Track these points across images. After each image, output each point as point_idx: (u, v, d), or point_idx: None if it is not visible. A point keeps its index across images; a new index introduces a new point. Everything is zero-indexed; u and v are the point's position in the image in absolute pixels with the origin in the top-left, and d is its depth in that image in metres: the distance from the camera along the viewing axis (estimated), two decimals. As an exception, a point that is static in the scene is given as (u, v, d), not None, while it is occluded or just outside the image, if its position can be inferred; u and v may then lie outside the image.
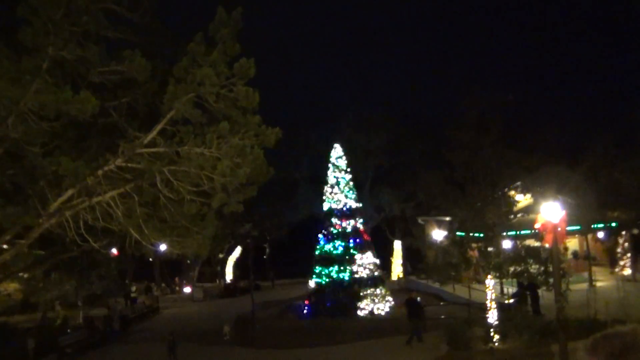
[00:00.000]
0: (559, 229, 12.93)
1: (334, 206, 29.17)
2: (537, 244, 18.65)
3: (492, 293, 17.75)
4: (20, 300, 30.46)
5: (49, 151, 10.92)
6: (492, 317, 17.19)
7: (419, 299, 21.23)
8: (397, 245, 45.69)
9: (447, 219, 26.65)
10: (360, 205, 30.53)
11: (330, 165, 29.93)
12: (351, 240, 28.54)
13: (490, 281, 17.99)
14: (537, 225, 13.60)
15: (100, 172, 10.77)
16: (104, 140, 11.80)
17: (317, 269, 28.63)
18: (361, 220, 29.89)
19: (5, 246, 11.93)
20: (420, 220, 37.91)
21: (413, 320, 19.29)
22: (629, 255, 28.86)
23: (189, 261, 44.26)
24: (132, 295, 36.00)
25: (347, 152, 31.09)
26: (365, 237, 29.47)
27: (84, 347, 22.90)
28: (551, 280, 15.32)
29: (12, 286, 26.75)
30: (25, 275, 22.09)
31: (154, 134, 10.88)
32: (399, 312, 24.36)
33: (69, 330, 24.34)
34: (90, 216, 11.32)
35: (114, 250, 25.26)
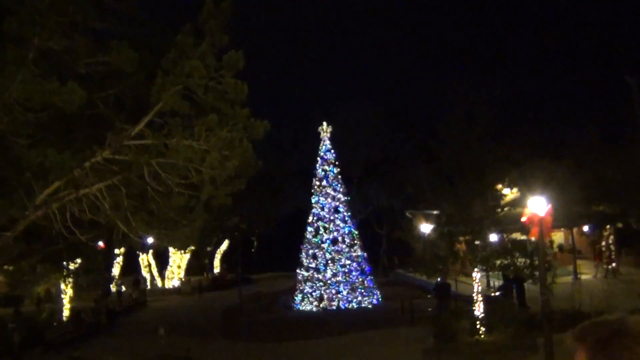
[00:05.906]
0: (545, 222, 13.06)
1: (322, 200, 29.20)
2: (523, 237, 18.83)
3: (478, 286, 17.92)
4: (4, 294, 30.18)
5: (35, 143, 10.78)
6: (479, 309, 17.37)
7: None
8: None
9: (435, 212, 26.76)
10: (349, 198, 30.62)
11: (318, 158, 29.90)
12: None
13: (476, 274, 18.15)
14: (523, 219, 13.72)
15: (87, 164, 10.67)
16: (91, 132, 11.65)
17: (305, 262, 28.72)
18: (349, 214, 29.97)
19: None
20: (408, 214, 38.03)
21: (443, 300, 20.55)
22: (612, 248, 29.21)
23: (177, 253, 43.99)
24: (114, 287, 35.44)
25: (336, 145, 31.09)
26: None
27: (70, 340, 22.74)
28: (537, 273, 15.49)
29: (-4, 279, 26.41)
30: (10, 268, 21.89)
31: (141, 126, 10.79)
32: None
33: (55, 324, 24.17)
34: (77, 208, 11.22)
35: (101, 243, 25.06)
